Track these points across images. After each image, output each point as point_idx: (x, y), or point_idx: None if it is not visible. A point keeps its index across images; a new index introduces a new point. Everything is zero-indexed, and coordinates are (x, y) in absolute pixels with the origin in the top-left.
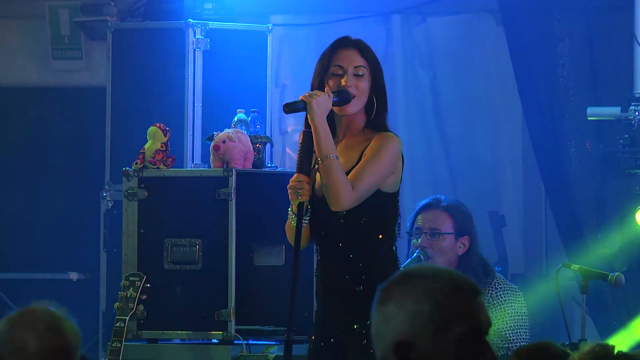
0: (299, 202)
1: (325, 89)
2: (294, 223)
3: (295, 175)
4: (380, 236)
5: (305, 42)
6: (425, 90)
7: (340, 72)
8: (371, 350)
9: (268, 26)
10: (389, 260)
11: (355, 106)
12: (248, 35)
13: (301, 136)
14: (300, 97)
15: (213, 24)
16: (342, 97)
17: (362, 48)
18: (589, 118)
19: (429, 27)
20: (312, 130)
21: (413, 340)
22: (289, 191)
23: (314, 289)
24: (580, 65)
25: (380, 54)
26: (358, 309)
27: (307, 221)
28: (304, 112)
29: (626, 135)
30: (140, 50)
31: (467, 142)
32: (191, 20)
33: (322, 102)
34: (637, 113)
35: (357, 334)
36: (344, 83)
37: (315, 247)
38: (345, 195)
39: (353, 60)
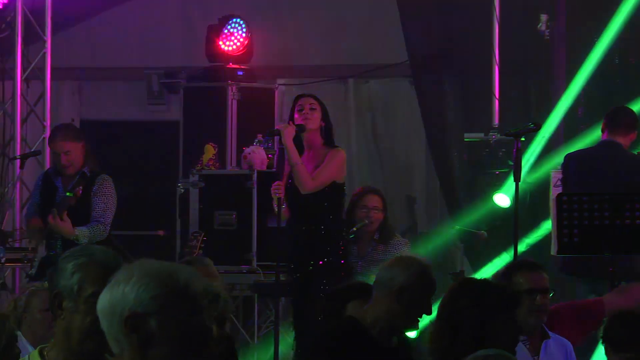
0: (277, 198)
1: (289, 122)
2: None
3: (276, 182)
4: (328, 205)
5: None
6: (367, 124)
7: (302, 109)
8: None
9: (275, 85)
10: (336, 222)
11: (312, 129)
12: (262, 91)
13: (278, 152)
14: (276, 127)
15: (242, 84)
16: (300, 128)
17: (315, 96)
18: (465, 139)
19: (370, 86)
20: (284, 147)
21: None
22: (271, 191)
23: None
24: (459, 108)
25: (340, 102)
26: (316, 253)
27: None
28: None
29: (487, 150)
30: (200, 99)
31: (396, 151)
32: (230, 82)
33: (289, 130)
34: (493, 136)
35: (315, 273)
36: (303, 117)
37: (291, 216)
38: (308, 185)
39: (309, 102)
